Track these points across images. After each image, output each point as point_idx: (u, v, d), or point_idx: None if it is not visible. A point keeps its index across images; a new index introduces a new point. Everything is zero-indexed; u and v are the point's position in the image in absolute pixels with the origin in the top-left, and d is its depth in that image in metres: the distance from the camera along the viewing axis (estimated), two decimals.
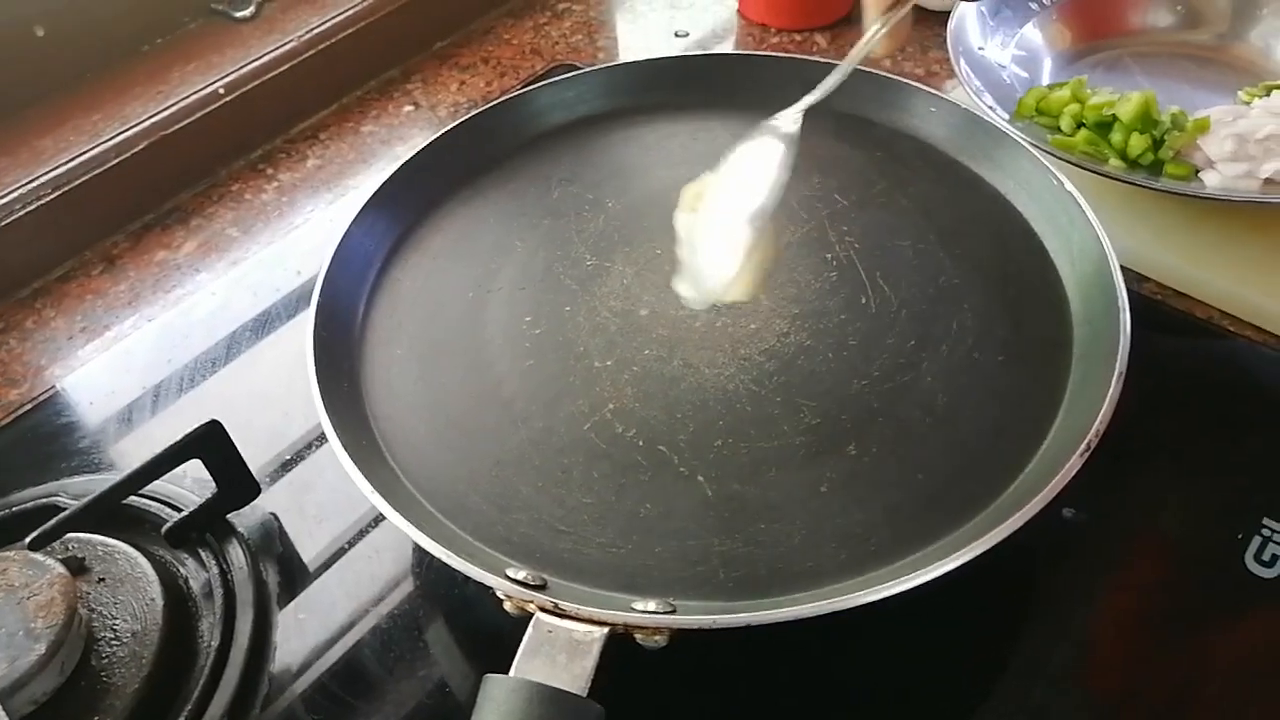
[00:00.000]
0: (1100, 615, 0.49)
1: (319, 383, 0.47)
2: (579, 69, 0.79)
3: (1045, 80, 0.72)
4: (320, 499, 0.55)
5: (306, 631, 0.50)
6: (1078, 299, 0.52)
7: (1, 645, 0.43)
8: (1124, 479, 0.52)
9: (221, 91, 0.75)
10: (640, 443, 0.48)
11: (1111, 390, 0.45)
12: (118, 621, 0.48)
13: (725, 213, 0.52)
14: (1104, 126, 0.64)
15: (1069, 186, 0.54)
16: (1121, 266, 0.50)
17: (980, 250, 0.55)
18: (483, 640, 0.49)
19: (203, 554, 0.51)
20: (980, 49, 0.72)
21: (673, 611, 0.40)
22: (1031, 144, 0.59)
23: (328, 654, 0.49)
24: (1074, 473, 0.42)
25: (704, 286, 0.53)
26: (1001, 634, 0.48)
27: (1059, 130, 0.66)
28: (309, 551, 0.53)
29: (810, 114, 0.63)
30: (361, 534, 0.53)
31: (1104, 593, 0.49)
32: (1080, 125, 0.65)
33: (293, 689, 0.47)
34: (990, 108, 0.65)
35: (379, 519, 0.53)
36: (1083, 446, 0.43)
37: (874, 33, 0.53)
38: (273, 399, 0.60)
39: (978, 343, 0.51)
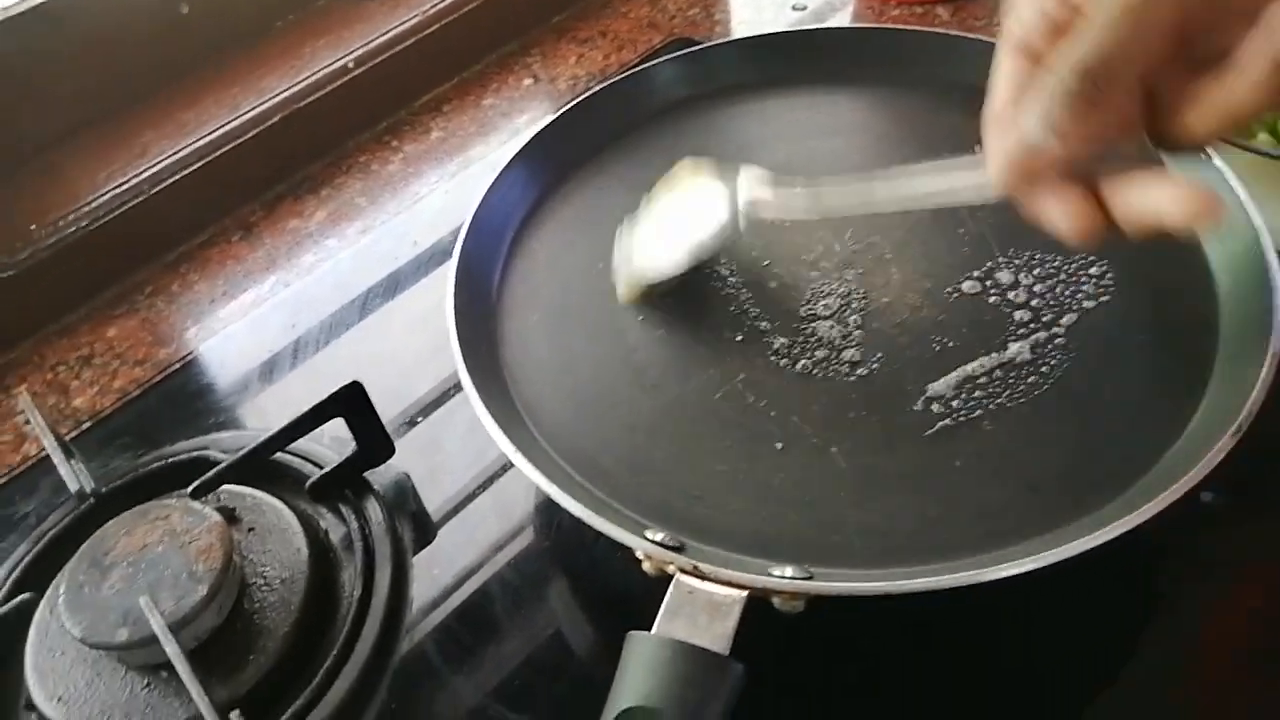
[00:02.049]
0: (1228, 606, 0.48)
1: (460, 346, 0.49)
2: (696, 43, 0.80)
3: None
4: (444, 456, 0.57)
5: (438, 585, 0.52)
6: (1226, 277, 0.50)
7: (168, 585, 0.46)
8: (1269, 466, 0.50)
9: (350, 65, 0.77)
10: (772, 413, 0.48)
11: (1265, 371, 0.43)
12: (267, 569, 0.50)
13: (684, 218, 0.52)
14: None
15: (1217, 161, 0.52)
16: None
17: None
18: (610, 598, 0.50)
19: (342, 509, 0.54)
20: None
21: (810, 578, 0.40)
22: None
23: (459, 608, 0.50)
24: (1224, 454, 0.41)
25: (626, 265, 0.53)
26: (1127, 615, 0.47)
27: None
28: (437, 508, 0.55)
29: (941, 89, 0.62)
30: (485, 488, 0.55)
31: (1236, 583, 0.48)
32: None
33: (427, 639, 0.49)
34: None
35: (496, 477, 0.55)
36: (1234, 428, 0.42)
37: None
38: (400, 360, 0.62)
39: (1118, 321, 0.50)
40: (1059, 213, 0.38)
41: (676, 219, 0.52)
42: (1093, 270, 0.52)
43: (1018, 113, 0.37)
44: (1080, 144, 0.36)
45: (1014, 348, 0.49)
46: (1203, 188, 0.36)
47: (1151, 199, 0.37)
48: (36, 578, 0.51)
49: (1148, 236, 0.37)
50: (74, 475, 0.53)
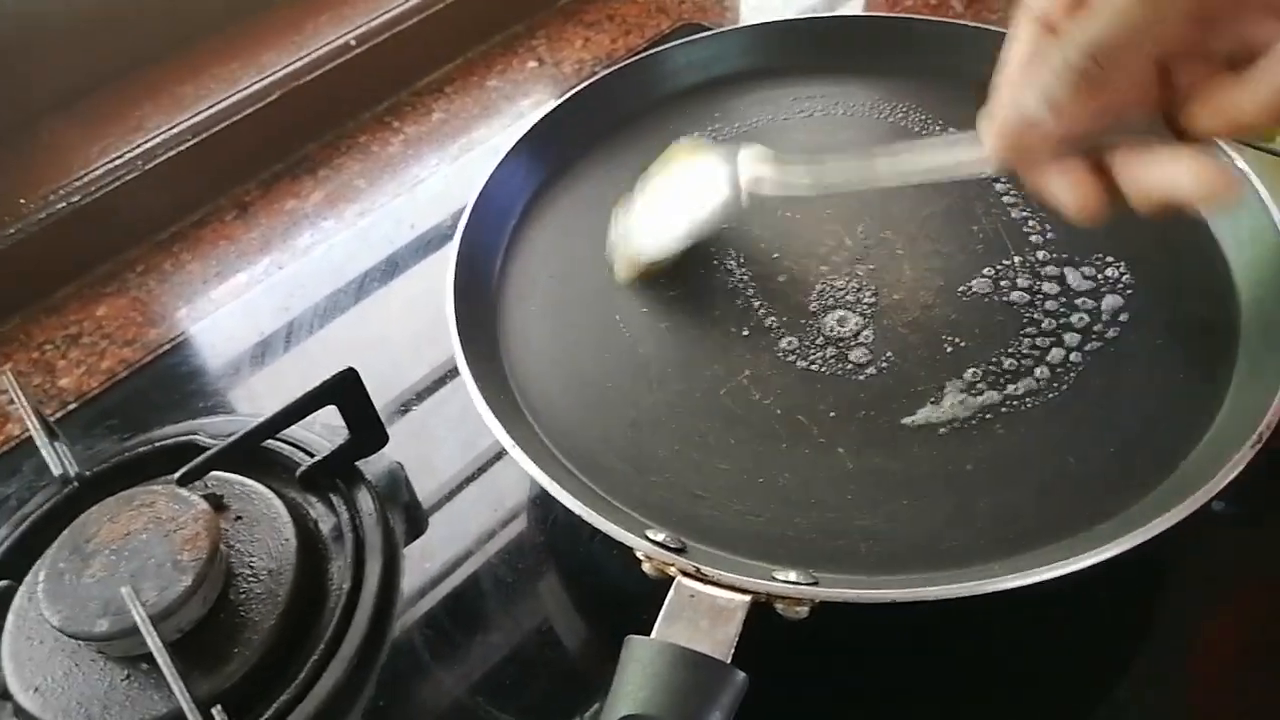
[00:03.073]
0: (1233, 619, 0.47)
1: (459, 335, 0.47)
2: (705, 28, 0.78)
3: None
4: (437, 443, 0.55)
5: (430, 578, 0.50)
6: (1246, 283, 0.49)
7: (151, 574, 0.45)
8: None
9: (352, 43, 0.75)
10: (778, 411, 0.47)
11: None
12: (254, 559, 0.49)
13: (682, 196, 0.51)
14: None
15: (1240, 163, 0.51)
16: None
17: (1137, 228, 0.52)
18: (606, 598, 0.49)
19: (333, 499, 0.52)
20: None
21: (815, 583, 0.39)
22: None
23: (450, 602, 0.49)
24: (1243, 465, 0.40)
25: (623, 244, 0.53)
26: (1133, 623, 0.46)
27: None
28: (428, 495, 0.54)
29: (957, 82, 0.61)
30: (478, 477, 0.54)
31: (1243, 596, 0.47)
32: None
33: (417, 634, 0.48)
34: None
35: (489, 465, 0.54)
36: (1253, 438, 0.40)
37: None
38: (395, 345, 0.61)
39: (1134, 324, 0.49)
40: (1059, 186, 0.37)
41: (674, 197, 0.52)
42: (1109, 272, 0.51)
43: (1020, 84, 0.36)
44: (1079, 121, 0.35)
45: (1027, 349, 0.48)
46: (1220, 163, 0.34)
47: (1166, 173, 0.35)
48: (15, 564, 0.49)
49: (1159, 214, 0.36)
50: (57, 458, 0.51)
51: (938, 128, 0.59)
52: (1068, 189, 0.37)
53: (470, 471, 0.54)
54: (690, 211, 0.51)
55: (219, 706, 0.42)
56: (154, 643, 0.42)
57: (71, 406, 0.60)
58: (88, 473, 0.52)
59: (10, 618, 0.47)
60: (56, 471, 0.51)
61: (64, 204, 0.66)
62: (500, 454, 0.54)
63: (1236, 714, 0.44)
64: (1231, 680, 0.45)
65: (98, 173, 0.67)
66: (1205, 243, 0.51)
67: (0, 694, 0.46)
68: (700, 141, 0.53)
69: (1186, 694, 0.45)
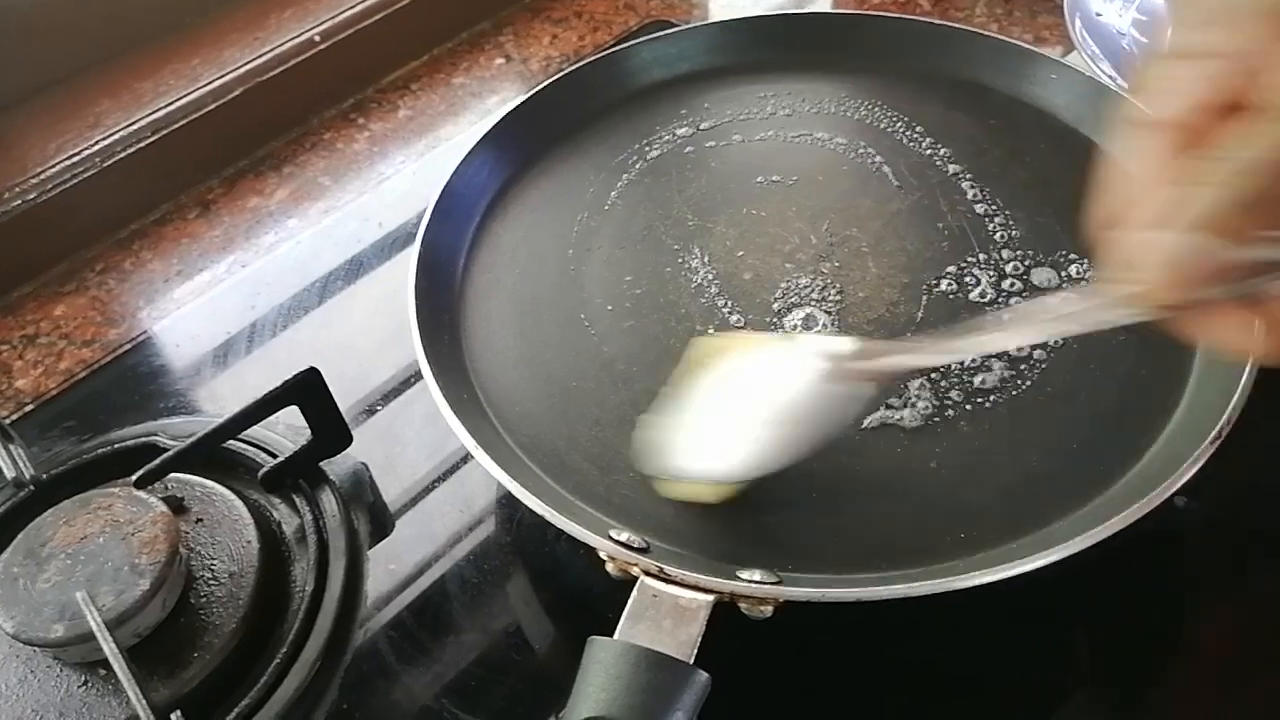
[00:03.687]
0: (1202, 617, 0.47)
1: (421, 335, 0.47)
2: (673, 25, 0.78)
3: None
4: (403, 445, 0.55)
5: (395, 579, 0.50)
6: None
7: (108, 579, 0.44)
8: (1246, 471, 0.49)
9: (317, 39, 0.74)
10: None
11: (1245, 375, 0.43)
12: (215, 562, 0.48)
13: (751, 397, 0.42)
14: None
15: None
16: None
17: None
18: (572, 599, 0.49)
19: (296, 500, 0.52)
20: (1098, 14, 0.69)
21: (779, 582, 0.39)
22: None
23: (416, 604, 0.49)
24: (1202, 462, 0.40)
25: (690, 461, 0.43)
26: (1093, 619, 0.46)
27: None
28: (394, 498, 0.53)
29: (923, 79, 0.61)
30: (445, 479, 0.53)
31: (1210, 594, 0.47)
32: None
33: (381, 636, 0.48)
34: (1109, 76, 0.62)
35: (456, 468, 0.53)
36: (1213, 434, 0.41)
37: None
38: (360, 346, 0.60)
39: None
40: (1224, 328, 0.31)
41: (746, 404, 0.42)
42: (1072, 269, 0.51)
43: (1172, 206, 0.29)
44: (1247, 241, 0.29)
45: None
46: None
47: None
48: None
49: None
50: (11, 461, 0.50)
51: (903, 125, 0.59)
52: (1234, 329, 0.31)
53: (437, 473, 0.54)
54: (784, 421, 0.40)
55: (178, 712, 0.42)
56: (110, 648, 0.41)
57: (28, 408, 0.59)
58: (44, 476, 0.51)
59: None
60: (10, 475, 0.50)
61: (20, 201, 0.65)
62: (467, 455, 0.53)
63: (1201, 709, 0.44)
64: (1196, 676, 0.45)
65: (55, 170, 0.66)
66: None
67: None
68: (731, 337, 0.47)
69: (1151, 690, 0.45)
